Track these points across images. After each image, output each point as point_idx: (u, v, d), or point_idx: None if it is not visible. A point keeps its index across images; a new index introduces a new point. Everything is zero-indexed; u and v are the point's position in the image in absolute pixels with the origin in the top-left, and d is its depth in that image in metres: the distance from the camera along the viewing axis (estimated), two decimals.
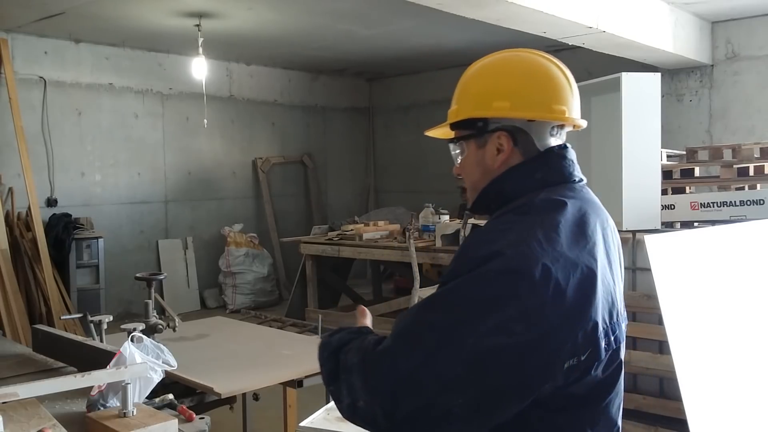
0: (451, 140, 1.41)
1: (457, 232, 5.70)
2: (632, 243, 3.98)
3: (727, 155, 4.54)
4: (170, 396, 2.16)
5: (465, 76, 1.41)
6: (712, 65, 6.90)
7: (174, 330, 3.09)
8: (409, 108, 10.02)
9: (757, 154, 4.38)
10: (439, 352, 1.08)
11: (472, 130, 1.35)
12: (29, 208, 6.25)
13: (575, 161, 1.33)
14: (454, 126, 1.39)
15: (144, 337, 2.19)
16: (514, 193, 1.30)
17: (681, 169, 4.62)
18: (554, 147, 1.33)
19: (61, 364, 2.47)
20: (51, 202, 7.05)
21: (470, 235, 1.43)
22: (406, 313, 1.21)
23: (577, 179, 1.33)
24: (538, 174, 1.30)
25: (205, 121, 7.62)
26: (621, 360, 1.25)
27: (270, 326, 3.97)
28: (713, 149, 4.72)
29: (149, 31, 6.94)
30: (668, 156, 5.00)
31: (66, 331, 4.76)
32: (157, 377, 2.00)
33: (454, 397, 1.07)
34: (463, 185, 1.42)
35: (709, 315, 3.06)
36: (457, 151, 1.40)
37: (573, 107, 1.33)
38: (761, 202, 3.89)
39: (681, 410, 2.91)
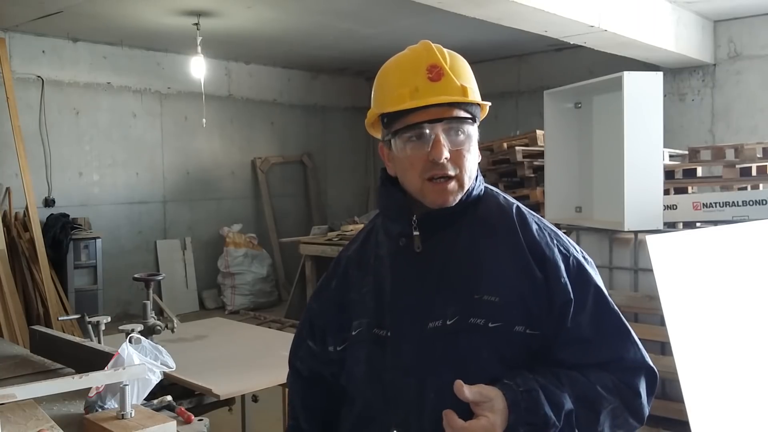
0: (461, 119, 1.24)
1: None
2: (634, 243, 3.97)
3: (730, 155, 4.53)
4: (169, 397, 2.14)
5: (459, 57, 1.30)
6: (715, 64, 6.89)
7: (172, 331, 3.07)
8: None
9: (759, 154, 4.36)
10: None
11: (475, 116, 1.28)
12: (27, 208, 6.22)
13: None
14: (461, 105, 1.25)
15: (142, 338, 2.17)
16: (478, 192, 1.32)
17: (683, 169, 4.62)
18: None
19: (59, 366, 2.46)
20: (48, 202, 7.02)
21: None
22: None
23: None
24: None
25: (204, 120, 7.60)
26: None
27: (269, 327, 3.98)
28: (715, 149, 4.70)
29: (147, 30, 6.92)
30: (670, 156, 4.99)
31: (64, 332, 4.74)
32: (155, 379, 1.98)
33: None
34: (450, 173, 1.23)
35: (711, 316, 3.04)
36: (462, 134, 1.24)
37: None
38: (764, 202, 3.87)
39: (683, 412, 2.90)
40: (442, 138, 1.21)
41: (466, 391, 1.12)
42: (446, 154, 1.21)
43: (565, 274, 1.24)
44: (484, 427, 1.11)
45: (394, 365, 1.25)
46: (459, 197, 1.26)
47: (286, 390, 3.10)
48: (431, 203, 1.26)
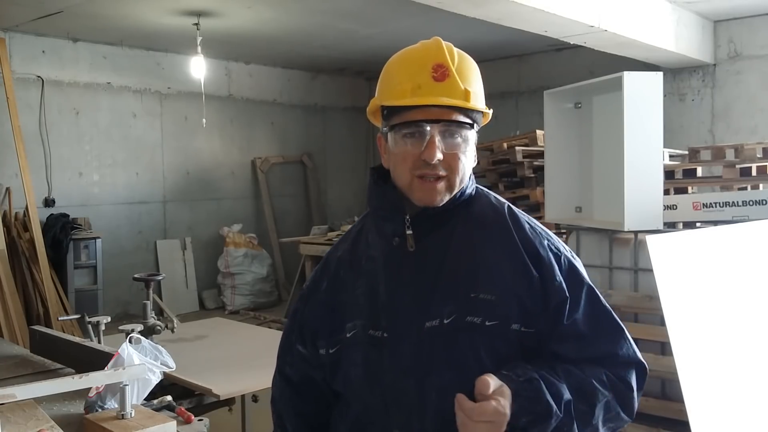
0: (460, 123, 1.22)
1: None
2: (634, 243, 3.96)
3: (730, 155, 4.52)
4: (169, 398, 2.14)
5: (468, 59, 1.28)
6: (715, 64, 6.89)
7: (172, 331, 3.08)
8: None
9: (759, 154, 4.35)
10: None
11: (476, 121, 1.26)
12: (27, 208, 6.21)
13: None
14: (462, 109, 1.23)
15: (142, 338, 2.17)
16: (470, 191, 1.32)
17: (683, 169, 4.60)
18: None
19: (59, 366, 2.46)
20: (48, 202, 7.02)
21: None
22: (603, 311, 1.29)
23: None
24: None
25: (204, 120, 7.59)
26: None
27: (269, 327, 3.99)
28: (715, 149, 4.69)
29: (147, 30, 6.92)
30: (670, 156, 4.98)
31: (64, 332, 4.74)
32: (155, 379, 1.98)
33: None
34: (441, 174, 1.22)
35: (711, 316, 3.04)
36: (459, 138, 1.23)
37: None
38: (764, 202, 3.86)
39: (683, 412, 2.89)
40: (438, 139, 1.20)
41: (492, 384, 1.10)
42: (439, 155, 1.20)
43: (559, 274, 1.25)
44: (495, 409, 1.09)
45: (393, 367, 1.23)
46: (446, 198, 1.25)
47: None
48: (418, 201, 1.25)
